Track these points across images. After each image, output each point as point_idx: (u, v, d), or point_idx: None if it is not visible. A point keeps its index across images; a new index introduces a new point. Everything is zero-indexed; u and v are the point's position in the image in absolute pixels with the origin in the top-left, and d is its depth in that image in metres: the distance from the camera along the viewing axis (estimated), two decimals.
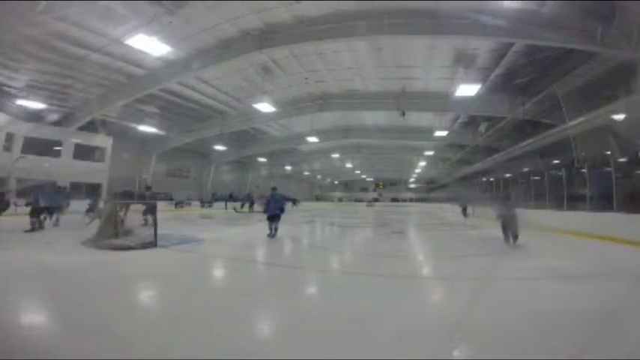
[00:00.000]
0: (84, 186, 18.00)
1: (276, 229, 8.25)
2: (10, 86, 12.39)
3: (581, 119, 9.96)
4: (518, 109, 12.47)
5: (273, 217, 8.26)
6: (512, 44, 9.17)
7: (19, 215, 10.66)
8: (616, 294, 3.44)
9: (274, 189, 8.89)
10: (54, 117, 15.24)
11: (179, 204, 21.74)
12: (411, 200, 49.84)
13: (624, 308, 2.97)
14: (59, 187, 13.50)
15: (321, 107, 15.36)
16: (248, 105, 15.53)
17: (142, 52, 9.39)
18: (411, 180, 47.06)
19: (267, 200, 8.85)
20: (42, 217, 8.62)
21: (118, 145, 19.28)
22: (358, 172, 42.80)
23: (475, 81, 11.17)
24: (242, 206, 21.72)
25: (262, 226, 9.51)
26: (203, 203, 24.36)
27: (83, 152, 17.90)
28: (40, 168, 15.61)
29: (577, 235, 8.06)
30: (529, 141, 13.42)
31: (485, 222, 14.44)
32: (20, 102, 13.01)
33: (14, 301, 3.11)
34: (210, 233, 8.95)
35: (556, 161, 13.45)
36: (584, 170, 9.82)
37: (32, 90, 12.70)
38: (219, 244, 7.10)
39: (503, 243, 6.76)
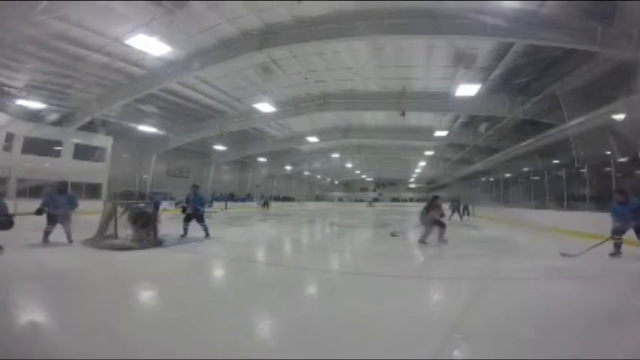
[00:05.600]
0: (83, 186, 18.00)
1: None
2: (10, 86, 12.38)
3: (581, 119, 9.96)
4: (518, 109, 12.46)
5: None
6: (512, 44, 9.17)
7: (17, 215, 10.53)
8: (617, 294, 3.44)
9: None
10: (54, 117, 15.23)
11: (179, 204, 21.78)
12: (411, 200, 49.83)
13: (625, 308, 2.97)
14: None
15: (321, 107, 15.35)
16: (248, 105, 15.54)
17: (142, 52, 9.37)
18: (411, 180, 47.09)
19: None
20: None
21: (118, 145, 19.24)
22: (358, 172, 42.82)
23: (475, 81, 11.17)
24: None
25: (263, 226, 9.54)
26: None
27: (83, 152, 17.85)
28: (40, 168, 15.61)
29: (577, 235, 8.05)
30: (529, 141, 13.43)
31: (486, 222, 14.45)
32: (20, 102, 13.00)
33: (13, 301, 3.10)
34: (211, 233, 8.94)
35: (556, 161, 13.45)
36: (584, 170, 9.83)
37: (32, 90, 12.69)
38: (219, 244, 7.09)
39: (503, 243, 6.77)
